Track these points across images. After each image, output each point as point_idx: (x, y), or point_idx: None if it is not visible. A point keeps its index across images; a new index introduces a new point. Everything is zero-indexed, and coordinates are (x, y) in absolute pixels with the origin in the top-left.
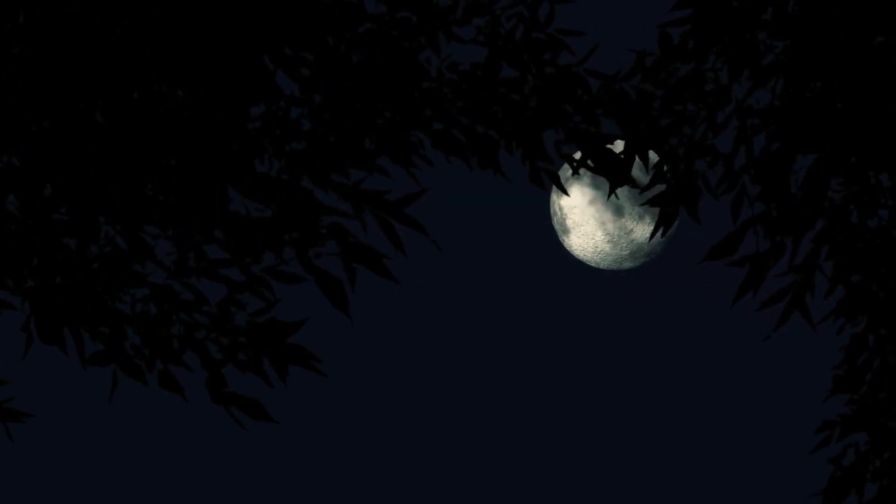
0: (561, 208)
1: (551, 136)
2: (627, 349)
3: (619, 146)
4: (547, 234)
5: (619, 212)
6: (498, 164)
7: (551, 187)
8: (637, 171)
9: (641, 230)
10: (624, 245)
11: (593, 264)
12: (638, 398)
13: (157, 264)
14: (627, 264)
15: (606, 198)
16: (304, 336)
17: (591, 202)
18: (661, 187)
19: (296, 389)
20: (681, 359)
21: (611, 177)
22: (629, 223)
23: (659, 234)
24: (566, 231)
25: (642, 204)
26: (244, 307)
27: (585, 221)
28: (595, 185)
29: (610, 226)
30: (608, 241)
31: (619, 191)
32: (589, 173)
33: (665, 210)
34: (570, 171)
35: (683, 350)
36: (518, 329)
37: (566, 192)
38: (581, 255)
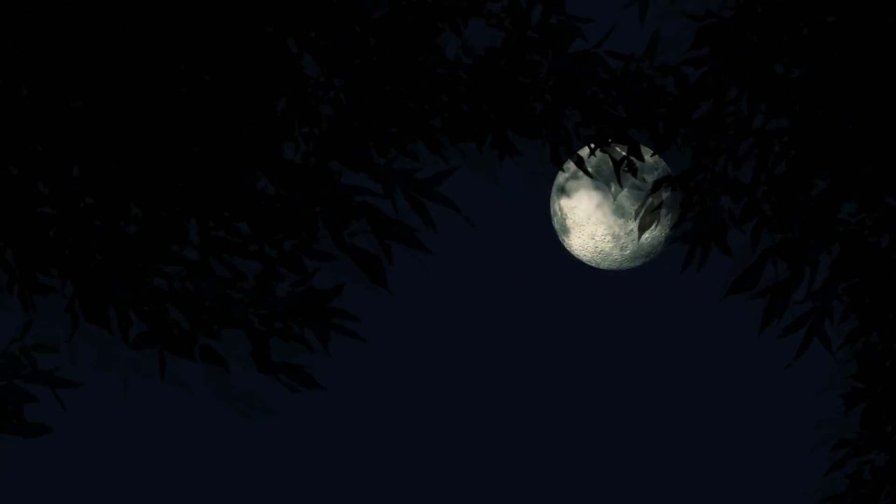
0: (561, 208)
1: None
2: (627, 349)
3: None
4: (547, 234)
5: (620, 212)
6: (511, 145)
7: (552, 187)
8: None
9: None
10: (625, 245)
11: (593, 264)
12: (637, 398)
13: (188, 244)
14: (628, 264)
15: (617, 181)
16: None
17: (598, 205)
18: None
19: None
20: (680, 359)
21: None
22: (630, 223)
23: (665, 235)
24: (566, 231)
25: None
26: (283, 278)
27: (586, 221)
28: (597, 185)
29: (611, 226)
30: (609, 242)
31: (621, 191)
32: (590, 174)
33: (694, 244)
34: (570, 173)
35: (683, 351)
36: (517, 329)
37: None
38: (581, 255)
